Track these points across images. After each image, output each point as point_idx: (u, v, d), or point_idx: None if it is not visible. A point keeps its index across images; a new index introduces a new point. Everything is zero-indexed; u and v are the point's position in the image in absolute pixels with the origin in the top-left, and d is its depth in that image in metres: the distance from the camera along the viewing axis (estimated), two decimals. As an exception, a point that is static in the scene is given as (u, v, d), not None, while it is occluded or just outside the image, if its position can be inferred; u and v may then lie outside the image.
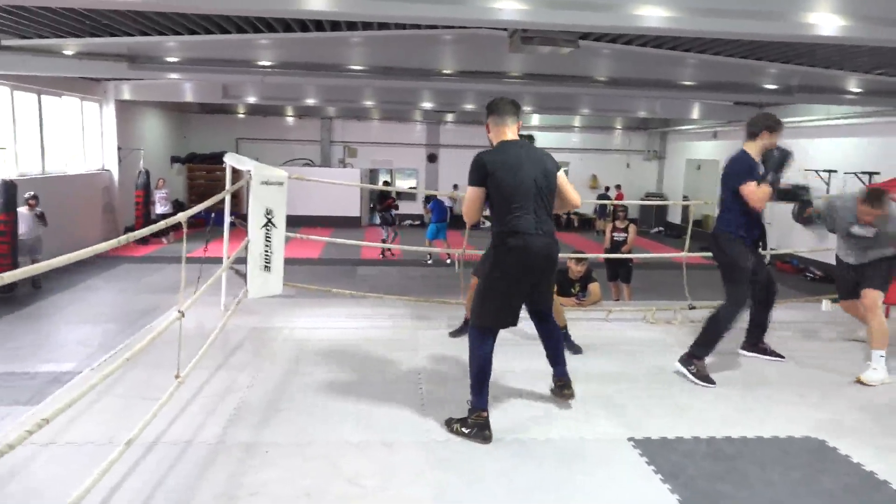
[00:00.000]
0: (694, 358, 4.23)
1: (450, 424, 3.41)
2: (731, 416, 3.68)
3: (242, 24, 8.16)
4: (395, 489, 2.83)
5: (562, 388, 3.70)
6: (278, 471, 2.94)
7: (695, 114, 15.89)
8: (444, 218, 14.29)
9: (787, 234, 12.84)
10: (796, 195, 11.89)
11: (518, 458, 3.13)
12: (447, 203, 21.97)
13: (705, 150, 19.50)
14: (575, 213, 22.13)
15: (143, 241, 13.92)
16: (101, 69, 10.09)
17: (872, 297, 4.53)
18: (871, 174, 11.75)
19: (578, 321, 5.48)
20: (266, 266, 5.12)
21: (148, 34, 8.48)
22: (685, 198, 18.71)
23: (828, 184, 12.95)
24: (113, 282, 11.57)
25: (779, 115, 15.70)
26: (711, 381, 4.15)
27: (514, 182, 3.29)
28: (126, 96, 14.93)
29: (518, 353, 4.51)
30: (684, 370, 4.24)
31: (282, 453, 3.10)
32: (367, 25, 8.46)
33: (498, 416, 3.54)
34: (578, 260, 6.23)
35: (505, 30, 7.18)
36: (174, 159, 19.57)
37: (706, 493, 2.85)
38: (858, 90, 10.45)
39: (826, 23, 4.82)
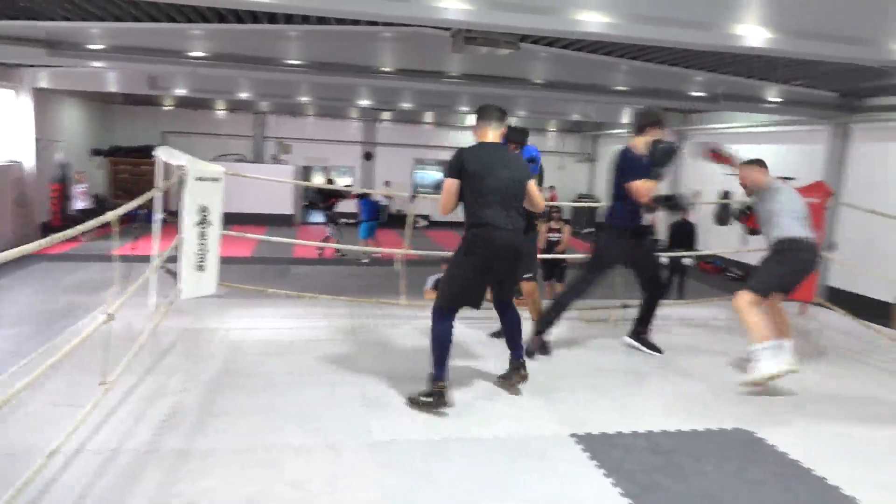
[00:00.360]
0: (536, 335, 4.65)
1: (411, 398, 3.70)
2: (667, 411, 3.80)
3: (173, 12, 7.84)
4: (342, 493, 2.77)
5: (517, 370, 3.99)
6: (217, 478, 2.83)
7: (625, 118, 16.36)
8: (375, 216, 14.25)
9: (709, 236, 13.40)
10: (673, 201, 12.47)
11: (465, 458, 3.12)
12: (383, 201, 21.83)
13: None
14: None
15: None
16: (17, 54, 9.45)
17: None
18: (787, 179, 12.37)
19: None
20: (200, 265, 4.94)
21: (70, 19, 8.02)
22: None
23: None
24: (26, 281, 10.86)
25: (704, 121, 16.33)
26: (547, 352, 4.65)
27: (485, 178, 3.64)
28: (44, 84, 14.06)
29: (464, 356, 4.52)
30: (633, 342, 4.90)
31: (220, 460, 2.98)
32: (305, 19, 8.29)
33: (445, 417, 3.54)
34: None
35: (447, 29, 7.19)
36: (95, 152, 18.62)
37: (646, 485, 2.92)
38: (778, 100, 11.02)
39: (753, 34, 5.04)
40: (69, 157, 15.07)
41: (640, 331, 4.94)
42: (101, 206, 17.76)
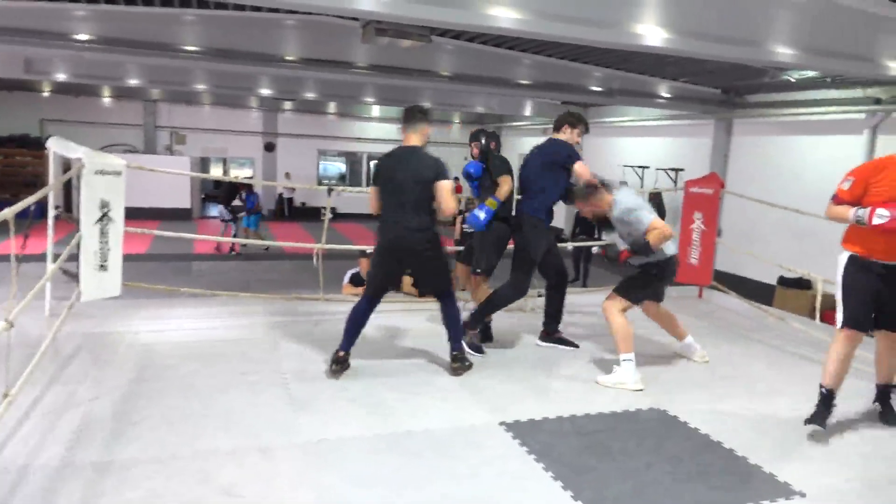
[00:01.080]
0: (468, 328, 4.65)
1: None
2: (587, 395, 3.98)
3: (56, -10, 7.26)
4: (277, 496, 2.71)
5: (454, 360, 4.23)
6: (143, 489, 2.68)
7: (527, 111, 16.83)
8: (256, 208, 14.24)
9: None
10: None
11: (397, 454, 3.13)
12: (287, 194, 21.24)
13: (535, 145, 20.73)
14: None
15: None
16: None
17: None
18: (677, 170, 13.23)
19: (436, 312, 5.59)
20: (102, 265, 4.62)
21: (-68, -5, 7.23)
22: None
23: (641, 178, 14.38)
24: None
25: (600, 115, 16.97)
26: (481, 351, 4.66)
27: (387, 183, 4.06)
28: None
29: (397, 351, 4.52)
30: (548, 344, 4.93)
31: (144, 470, 2.83)
32: (201, 3, 7.91)
33: (376, 414, 3.56)
34: None
35: (355, 19, 7.09)
36: (-40, 142, 16.95)
37: (575, 467, 3.06)
38: (667, 95, 11.70)
39: (652, 34, 5.33)
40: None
41: (553, 330, 4.99)
42: (-32, 200, 16.20)
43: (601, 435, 3.42)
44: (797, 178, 10.36)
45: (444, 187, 4.00)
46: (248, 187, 14.19)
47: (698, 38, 5.56)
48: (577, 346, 4.94)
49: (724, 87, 11.70)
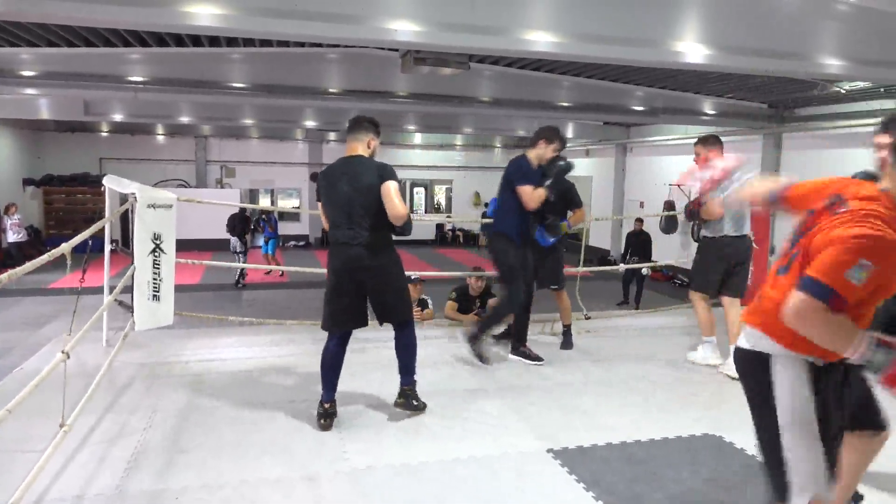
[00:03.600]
0: (474, 338, 4.73)
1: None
2: (638, 422, 3.86)
3: (110, 35, 7.63)
4: (323, 525, 2.71)
5: (400, 396, 3.86)
6: (192, 518, 2.72)
7: (569, 133, 16.75)
8: (274, 234, 14.65)
9: (659, 248, 13.81)
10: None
11: (444, 480, 3.10)
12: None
13: (578, 167, 20.53)
14: (459, 229, 22.57)
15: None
16: (-57, 83, 9.00)
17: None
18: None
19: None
20: (155, 295, 4.76)
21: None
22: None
23: (688, 196, 14.09)
24: (-44, 320, 10.28)
25: (643, 134, 16.87)
26: (486, 361, 4.73)
27: (329, 196, 3.65)
28: (-32, 113, 13.41)
29: (435, 374, 4.50)
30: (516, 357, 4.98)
31: (194, 499, 2.87)
32: (247, 42, 8.20)
33: (422, 440, 3.54)
34: (478, 277, 6.33)
35: (395, 50, 7.23)
36: (27, 182, 17.83)
37: (625, 496, 2.96)
38: (713, 112, 11.51)
39: (692, 51, 5.26)
40: (-1, 189, 14.37)
41: (519, 345, 5.02)
42: (35, 237, 17.00)
43: (653, 463, 3.31)
44: (853, 192, 10.00)
45: (390, 188, 3.52)
46: (267, 213, 14.45)
47: (740, 54, 5.46)
48: (541, 361, 4.92)
49: (772, 102, 11.45)
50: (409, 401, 3.84)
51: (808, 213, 2.02)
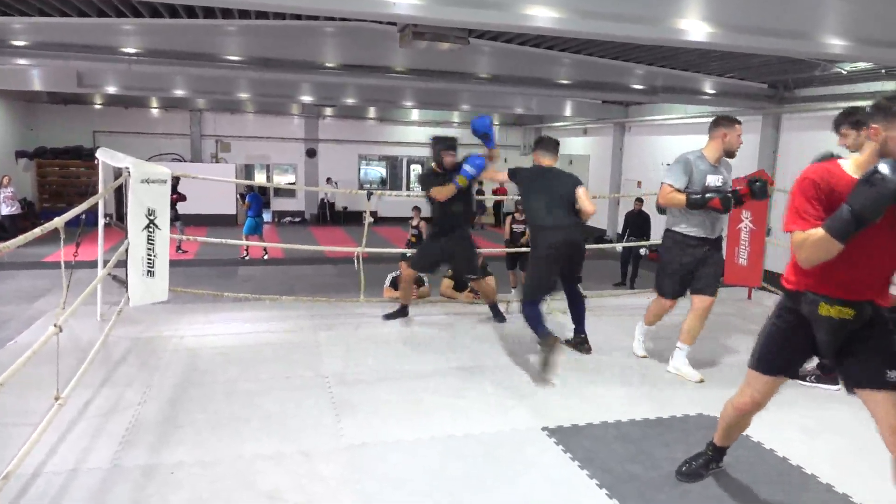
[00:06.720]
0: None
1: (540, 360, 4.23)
2: (632, 400, 3.88)
3: (103, 5, 7.49)
4: (319, 500, 2.71)
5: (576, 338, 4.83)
6: (186, 493, 2.72)
7: (567, 111, 16.65)
8: (261, 212, 14.37)
9: (657, 229, 13.79)
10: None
11: (441, 457, 3.11)
12: (330, 198, 21.47)
13: (576, 145, 20.51)
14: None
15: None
16: (-68, 52, 8.84)
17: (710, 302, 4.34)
18: (723, 168, 12.89)
19: (480, 314, 5.56)
20: (149, 271, 4.74)
21: (-11, 14, 7.55)
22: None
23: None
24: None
25: (642, 113, 16.66)
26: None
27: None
28: (-42, 83, 13.20)
29: (430, 353, 4.49)
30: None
31: (188, 473, 2.87)
32: (243, 14, 8.06)
33: (418, 417, 3.54)
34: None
35: (393, 24, 7.11)
36: (20, 154, 17.66)
37: (620, 475, 2.98)
38: (712, 91, 11.41)
39: (695, 29, 5.18)
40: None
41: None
42: (29, 210, 16.89)
43: (647, 442, 3.33)
44: (851, 174, 9.97)
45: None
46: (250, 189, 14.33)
47: (743, 32, 5.39)
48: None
49: (773, 82, 11.35)
50: (583, 345, 4.77)
51: None
